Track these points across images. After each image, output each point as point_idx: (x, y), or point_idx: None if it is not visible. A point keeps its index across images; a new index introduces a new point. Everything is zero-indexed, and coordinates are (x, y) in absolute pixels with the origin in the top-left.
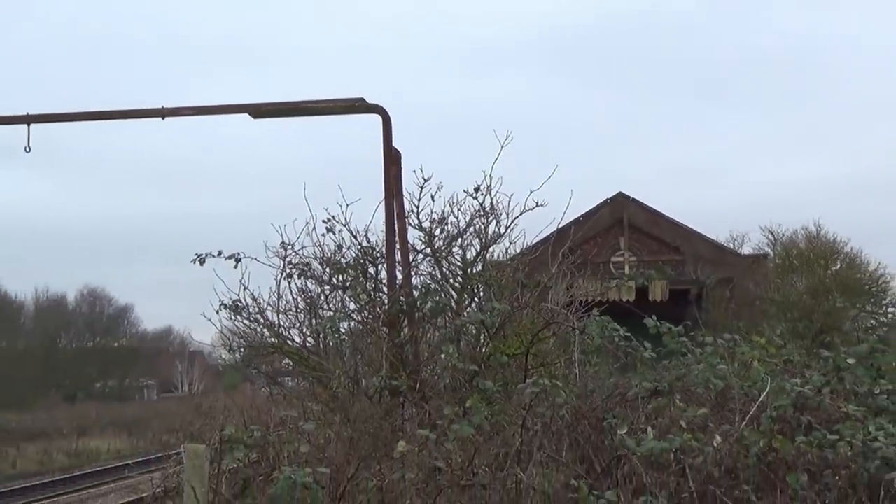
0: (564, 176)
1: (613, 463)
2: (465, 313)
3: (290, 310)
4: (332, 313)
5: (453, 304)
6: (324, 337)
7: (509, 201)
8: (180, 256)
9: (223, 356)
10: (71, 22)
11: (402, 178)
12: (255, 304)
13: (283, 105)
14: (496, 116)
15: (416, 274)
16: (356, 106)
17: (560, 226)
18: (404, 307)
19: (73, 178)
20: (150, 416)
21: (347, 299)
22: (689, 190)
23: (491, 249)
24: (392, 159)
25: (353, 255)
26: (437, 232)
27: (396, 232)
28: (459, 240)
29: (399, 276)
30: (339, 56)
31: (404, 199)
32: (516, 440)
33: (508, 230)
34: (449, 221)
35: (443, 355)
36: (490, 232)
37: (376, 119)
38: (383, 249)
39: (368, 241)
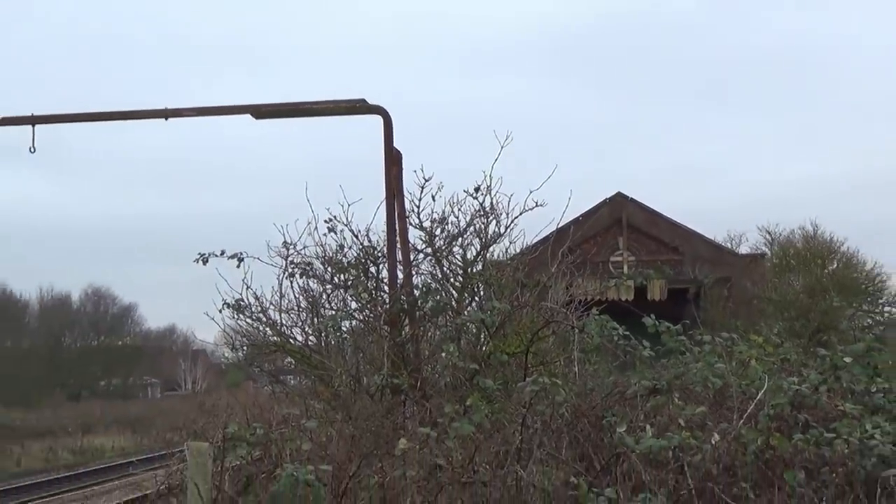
0: (564, 176)
1: (613, 460)
2: (465, 312)
3: (293, 309)
4: (333, 312)
5: (454, 303)
6: (326, 335)
7: (509, 201)
8: (182, 256)
9: (226, 355)
10: (71, 22)
11: (403, 178)
12: (257, 303)
13: (284, 106)
14: (496, 116)
15: (416, 273)
16: (357, 107)
17: (559, 226)
18: (405, 306)
19: (76, 178)
20: (154, 414)
21: (349, 298)
22: (688, 190)
23: (491, 249)
24: (393, 160)
25: (355, 254)
26: (438, 232)
27: (397, 231)
28: (460, 239)
29: (400, 275)
30: (339, 56)
31: (405, 199)
32: (516, 438)
33: (508, 230)
34: (449, 221)
35: (443, 354)
36: (490, 232)
37: (377, 119)
38: (384, 249)
39: (370, 241)
